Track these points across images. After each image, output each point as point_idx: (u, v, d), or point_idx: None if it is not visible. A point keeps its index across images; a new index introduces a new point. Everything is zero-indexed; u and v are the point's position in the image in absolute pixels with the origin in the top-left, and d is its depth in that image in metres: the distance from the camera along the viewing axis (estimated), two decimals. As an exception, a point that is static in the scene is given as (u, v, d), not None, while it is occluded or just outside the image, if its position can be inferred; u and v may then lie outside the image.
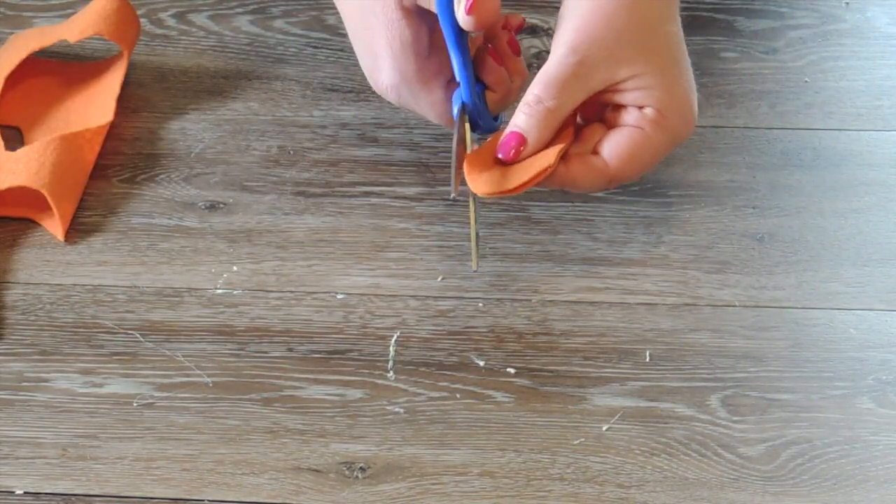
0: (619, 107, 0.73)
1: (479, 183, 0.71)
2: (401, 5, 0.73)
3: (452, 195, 0.72)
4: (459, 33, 0.72)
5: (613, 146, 0.72)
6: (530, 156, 0.72)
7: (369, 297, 0.75)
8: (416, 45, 0.74)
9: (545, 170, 0.71)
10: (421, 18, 0.73)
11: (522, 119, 0.72)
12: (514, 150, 0.71)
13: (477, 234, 0.74)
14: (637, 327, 0.74)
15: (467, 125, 0.74)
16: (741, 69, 0.87)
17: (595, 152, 0.73)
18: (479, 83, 0.75)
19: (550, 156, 0.71)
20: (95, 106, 0.85)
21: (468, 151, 0.73)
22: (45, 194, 0.78)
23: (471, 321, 0.74)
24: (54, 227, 0.79)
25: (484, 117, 0.75)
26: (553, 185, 0.73)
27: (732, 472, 0.67)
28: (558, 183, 0.73)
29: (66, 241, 0.78)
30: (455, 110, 0.74)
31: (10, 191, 0.79)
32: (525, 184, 0.71)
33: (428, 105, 0.76)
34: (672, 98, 0.72)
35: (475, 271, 0.75)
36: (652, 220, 0.79)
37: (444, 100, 0.76)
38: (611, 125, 0.73)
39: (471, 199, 0.73)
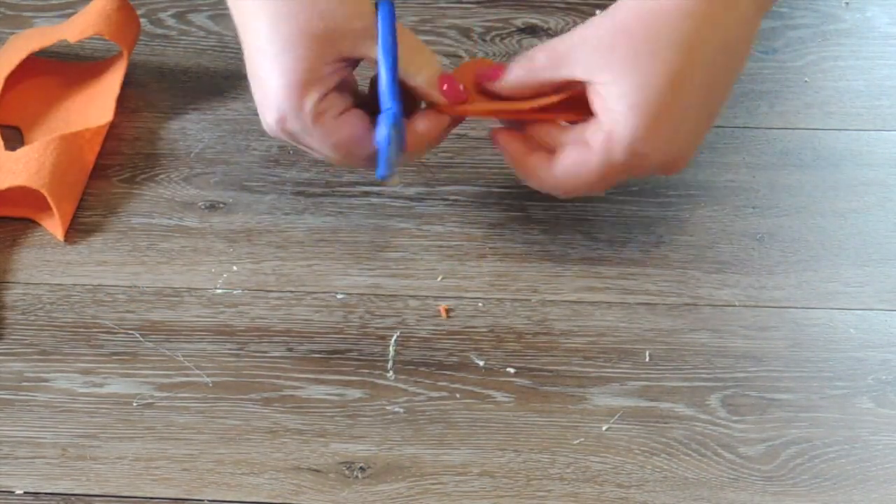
0: (592, 118, 0.68)
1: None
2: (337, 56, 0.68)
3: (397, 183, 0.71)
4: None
5: (560, 158, 0.69)
6: (501, 92, 0.70)
7: (369, 297, 0.75)
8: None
9: (513, 109, 0.70)
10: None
11: (511, 65, 0.69)
12: (491, 74, 0.70)
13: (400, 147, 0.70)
14: (637, 327, 0.74)
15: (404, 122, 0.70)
16: (741, 69, 0.87)
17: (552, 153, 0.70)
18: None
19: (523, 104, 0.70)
20: (95, 106, 0.85)
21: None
22: (45, 194, 0.78)
23: (471, 321, 0.74)
24: (54, 227, 0.79)
25: (396, 150, 0.70)
26: (507, 160, 0.71)
27: (732, 472, 0.67)
28: (509, 159, 0.70)
29: (66, 241, 0.78)
30: (384, 133, 0.68)
31: (10, 191, 0.79)
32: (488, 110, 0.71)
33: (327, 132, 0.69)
34: (638, 127, 0.66)
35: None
36: (652, 220, 0.79)
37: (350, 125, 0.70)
38: (565, 135, 0.69)
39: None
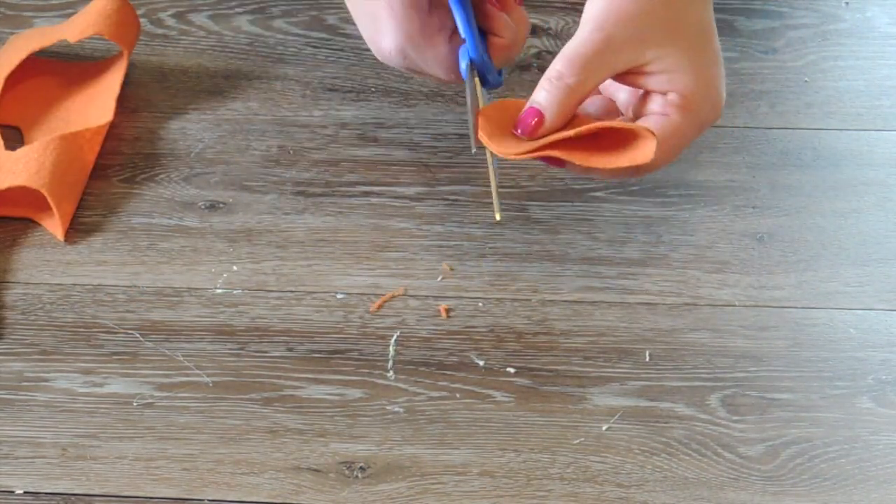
0: (644, 95, 0.71)
1: (495, 145, 0.69)
2: None
3: (474, 150, 0.70)
4: None
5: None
6: (548, 133, 0.69)
7: (369, 296, 0.75)
8: (417, 2, 0.73)
9: (564, 139, 0.68)
10: None
11: (542, 95, 0.69)
12: (532, 127, 0.69)
13: (497, 184, 0.71)
14: (637, 327, 0.74)
15: (477, 80, 0.74)
16: (741, 69, 0.87)
17: None
18: (482, 35, 0.75)
19: (569, 131, 0.69)
20: (95, 106, 0.85)
21: (481, 107, 0.72)
22: (45, 194, 0.78)
23: (471, 321, 0.74)
24: (54, 227, 0.79)
25: (490, 72, 0.75)
26: (579, 170, 0.71)
27: (732, 472, 0.67)
28: (585, 169, 0.70)
29: (66, 241, 0.78)
30: (463, 66, 0.74)
31: (10, 191, 0.79)
32: (541, 148, 0.69)
33: (435, 62, 0.75)
34: (698, 82, 0.70)
35: (499, 221, 0.72)
36: (652, 220, 0.79)
37: (451, 55, 0.75)
38: (637, 114, 0.71)
39: (487, 152, 0.71)
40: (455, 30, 0.75)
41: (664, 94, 0.69)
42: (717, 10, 0.91)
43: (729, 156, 0.82)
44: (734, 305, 0.75)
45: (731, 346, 0.73)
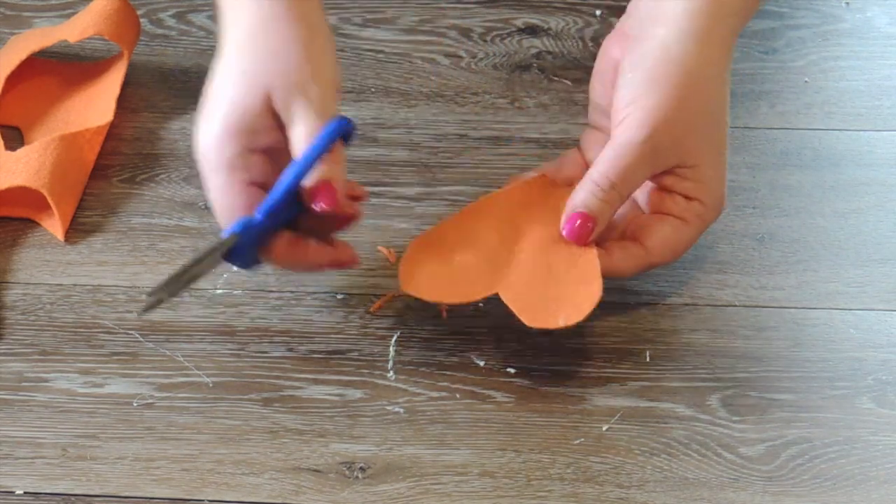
0: (663, 190, 0.71)
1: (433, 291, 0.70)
2: (268, 113, 0.68)
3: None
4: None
5: (658, 237, 0.71)
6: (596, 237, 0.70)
7: (369, 297, 0.75)
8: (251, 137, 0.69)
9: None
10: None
11: (594, 203, 0.69)
12: (587, 232, 0.69)
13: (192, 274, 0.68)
14: (637, 327, 0.74)
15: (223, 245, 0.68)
16: (741, 69, 0.87)
17: (634, 239, 0.71)
18: (296, 210, 0.69)
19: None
20: (95, 106, 0.85)
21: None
22: (45, 194, 0.78)
23: (471, 321, 0.74)
24: (54, 227, 0.79)
25: (249, 254, 0.69)
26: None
27: (732, 472, 0.67)
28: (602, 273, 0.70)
29: (65, 241, 0.78)
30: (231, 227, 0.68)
31: (10, 191, 0.79)
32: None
33: (216, 188, 0.69)
34: (716, 191, 0.71)
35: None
36: (652, 220, 0.78)
37: (239, 197, 0.69)
38: (655, 209, 0.72)
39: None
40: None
41: (688, 198, 0.71)
42: (717, 11, 0.91)
43: (729, 156, 0.82)
44: (734, 306, 0.75)
45: (731, 346, 0.73)
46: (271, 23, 0.69)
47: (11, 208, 0.80)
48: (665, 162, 0.70)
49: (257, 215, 0.68)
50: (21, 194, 0.79)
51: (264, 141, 0.69)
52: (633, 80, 0.70)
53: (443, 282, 0.71)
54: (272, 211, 0.68)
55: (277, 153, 0.69)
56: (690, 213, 0.71)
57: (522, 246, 0.71)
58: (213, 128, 0.69)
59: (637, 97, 0.69)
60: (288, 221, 0.69)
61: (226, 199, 0.69)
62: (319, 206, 0.67)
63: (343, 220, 0.70)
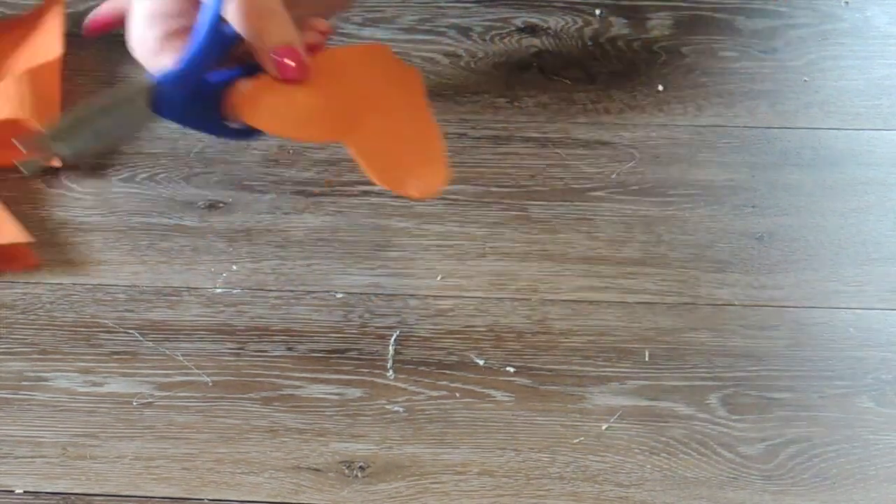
0: None
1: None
2: None
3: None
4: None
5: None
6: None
7: (369, 296, 0.75)
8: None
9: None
10: None
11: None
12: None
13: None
14: (637, 326, 0.74)
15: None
16: (741, 68, 0.87)
17: None
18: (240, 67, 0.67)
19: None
20: (43, 47, 0.85)
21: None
22: (37, 124, 0.79)
23: (470, 320, 0.74)
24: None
25: (187, 104, 0.66)
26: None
27: (732, 471, 0.67)
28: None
29: (65, 241, 0.78)
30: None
31: None
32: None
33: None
34: None
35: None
36: (652, 220, 0.79)
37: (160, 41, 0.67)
38: None
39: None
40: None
41: None
42: (717, 10, 0.91)
43: (729, 156, 0.82)
44: (734, 305, 0.75)
45: (730, 345, 0.73)
46: None
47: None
48: None
49: (179, 65, 0.66)
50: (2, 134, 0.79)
51: (184, 23, 0.67)
52: None
53: (286, 118, 0.67)
54: (196, 53, 0.65)
55: None
56: None
57: (367, 105, 0.70)
58: (134, 18, 0.67)
59: None
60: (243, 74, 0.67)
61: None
62: (287, 76, 0.66)
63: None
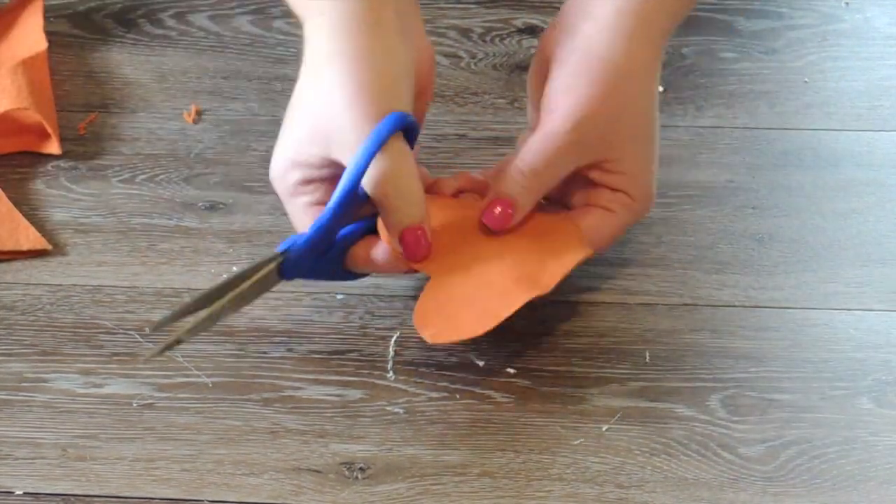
0: (589, 183, 0.72)
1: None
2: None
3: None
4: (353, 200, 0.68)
5: (584, 227, 0.72)
6: (516, 224, 0.71)
7: (369, 297, 0.75)
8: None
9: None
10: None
11: (516, 189, 0.70)
12: (505, 218, 0.70)
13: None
14: (637, 327, 0.74)
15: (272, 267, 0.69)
16: (740, 69, 0.87)
17: None
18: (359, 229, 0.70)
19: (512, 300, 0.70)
20: (25, 40, 0.86)
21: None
22: (35, 113, 0.80)
23: (470, 321, 0.74)
24: (49, 146, 0.80)
25: (314, 264, 0.70)
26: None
27: (732, 473, 0.67)
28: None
29: (65, 241, 0.78)
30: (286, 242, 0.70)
31: None
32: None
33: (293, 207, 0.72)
34: (643, 184, 0.72)
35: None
36: (652, 220, 0.79)
37: (304, 210, 0.71)
38: (580, 203, 0.73)
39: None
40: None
41: (614, 190, 0.72)
42: (716, 11, 0.91)
43: (729, 156, 0.82)
44: (734, 306, 0.75)
45: (730, 346, 0.73)
46: (351, 40, 0.69)
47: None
48: (590, 154, 0.71)
49: (308, 231, 0.69)
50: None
51: (324, 174, 0.70)
52: (560, 75, 0.71)
53: (458, 314, 0.70)
54: (326, 223, 0.68)
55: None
56: (616, 203, 0.72)
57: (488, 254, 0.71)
58: (278, 156, 0.70)
59: (563, 90, 0.70)
60: (368, 228, 0.70)
61: (295, 220, 0.71)
62: (409, 256, 0.69)
63: None
